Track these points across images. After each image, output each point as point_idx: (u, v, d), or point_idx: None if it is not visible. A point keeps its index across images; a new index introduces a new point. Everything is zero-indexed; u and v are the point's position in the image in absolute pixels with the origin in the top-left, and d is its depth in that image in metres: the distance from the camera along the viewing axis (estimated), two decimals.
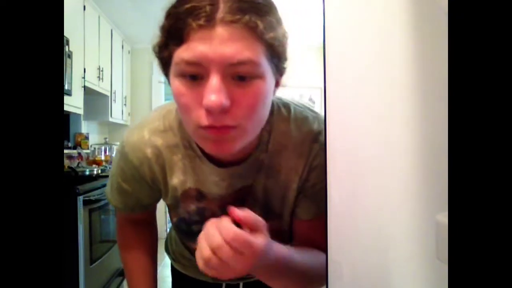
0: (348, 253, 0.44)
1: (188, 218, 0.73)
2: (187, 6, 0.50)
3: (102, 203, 2.38)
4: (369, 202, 0.44)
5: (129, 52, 4.14)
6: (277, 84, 0.60)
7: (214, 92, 0.49)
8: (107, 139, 4.04)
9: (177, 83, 0.53)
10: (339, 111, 0.45)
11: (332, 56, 0.44)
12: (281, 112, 0.68)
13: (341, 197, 0.44)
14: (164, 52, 0.54)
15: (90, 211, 2.22)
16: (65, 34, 2.45)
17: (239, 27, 0.49)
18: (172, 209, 0.75)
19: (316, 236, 0.67)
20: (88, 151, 3.46)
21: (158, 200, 0.80)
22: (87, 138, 3.46)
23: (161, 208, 2.72)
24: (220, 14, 0.49)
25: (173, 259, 0.94)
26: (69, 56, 2.54)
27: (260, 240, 0.52)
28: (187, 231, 0.76)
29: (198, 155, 0.67)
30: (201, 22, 0.48)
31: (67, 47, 2.50)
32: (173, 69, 0.53)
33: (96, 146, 3.61)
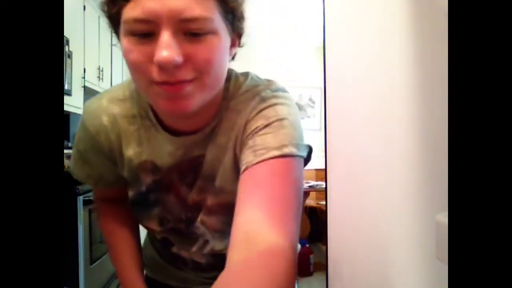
0: (348, 253, 0.44)
1: (145, 190, 0.72)
2: None
3: None
4: (369, 202, 0.44)
5: None
6: (234, 44, 0.58)
7: (165, 48, 0.48)
8: None
9: (126, 41, 0.51)
10: (339, 111, 0.45)
11: (332, 56, 0.44)
12: (238, 79, 0.66)
13: (341, 197, 0.44)
14: (112, 9, 0.52)
15: (90, 211, 2.22)
16: (65, 34, 2.45)
17: None
18: (130, 183, 0.73)
19: (251, 190, 0.53)
20: None
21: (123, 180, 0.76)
22: None
23: None
24: None
25: (144, 264, 0.90)
26: (69, 56, 2.54)
27: None
28: (143, 203, 0.74)
29: (153, 123, 0.65)
30: None
31: (67, 47, 2.50)
32: (122, 28, 0.51)
33: None
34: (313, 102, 4.41)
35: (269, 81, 0.67)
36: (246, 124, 0.62)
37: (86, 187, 2.20)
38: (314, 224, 3.66)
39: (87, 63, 2.93)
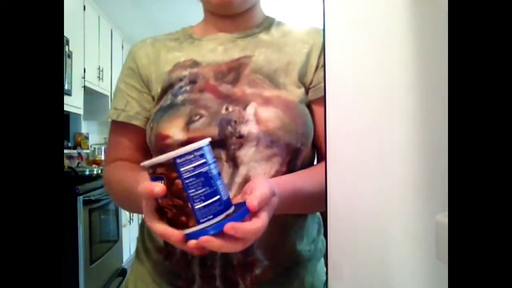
0: (348, 253, 0.44)
1: (177, 89, 0.69)
2: None
3: (102, 203, 2.38)
4: (369, 202, 0.44)
5: None
6: None
7: None
8: (107, 139, 4.04)
9: None
10: (339, 111, 0.45)
11: (332, 56, 0.44)
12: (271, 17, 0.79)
13: (341, 197, 0.44)
14: None
15: (90, 211, 2.22)
16: (65, 34, 2.45)
17: None
18: (158, 98, 0.71)
19: None
20: (88, 151, 3.46)
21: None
22: (87, 138, 3.47)
23: None
24: None
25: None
26: (69, 56, 2.54)
27: (263, 219, 0.48)
28: (169, 107, 0.67)
29: (196, 38, 0.75)
30: None
31: (67, 47, 2.50)
32: None
33: (96, 146, 3.61)
34: None
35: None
36: (318, 49, 0.71)
37: (86, 187, 2.21)
38: None
39: (87, 63, 2.93)
